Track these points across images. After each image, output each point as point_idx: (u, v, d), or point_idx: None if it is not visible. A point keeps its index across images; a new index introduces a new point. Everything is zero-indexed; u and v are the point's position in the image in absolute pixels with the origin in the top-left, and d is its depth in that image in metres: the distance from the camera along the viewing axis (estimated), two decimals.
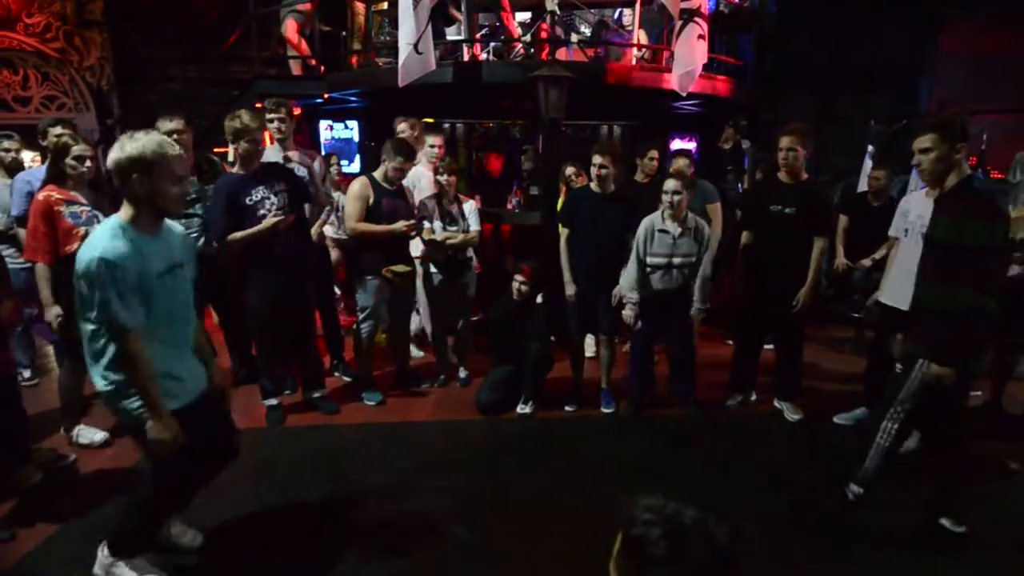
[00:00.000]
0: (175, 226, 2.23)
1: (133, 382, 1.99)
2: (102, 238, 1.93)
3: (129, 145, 1.95)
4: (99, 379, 2.05)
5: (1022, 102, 6.62)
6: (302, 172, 3.88)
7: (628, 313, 3.63)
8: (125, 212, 2.01)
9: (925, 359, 2.40)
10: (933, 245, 2.45)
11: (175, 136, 3.48)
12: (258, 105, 4.53)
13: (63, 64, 7.67)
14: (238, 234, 3.29)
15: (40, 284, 3.07)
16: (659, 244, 3.54)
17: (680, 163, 4.36)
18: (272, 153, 3.84)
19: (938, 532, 2.59)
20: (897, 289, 3.31)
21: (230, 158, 4.95)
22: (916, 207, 3.30)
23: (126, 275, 1.90)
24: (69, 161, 3.09)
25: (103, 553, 2.26)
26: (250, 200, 3.33)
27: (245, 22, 5.66)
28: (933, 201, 2.54)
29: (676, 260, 3.54)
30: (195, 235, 3.61)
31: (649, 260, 3.57)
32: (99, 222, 3.13)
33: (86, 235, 3.08)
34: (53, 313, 3.07)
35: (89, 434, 3.38)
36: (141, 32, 7.28)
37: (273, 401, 3.72)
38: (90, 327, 1.98)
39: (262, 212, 3.33)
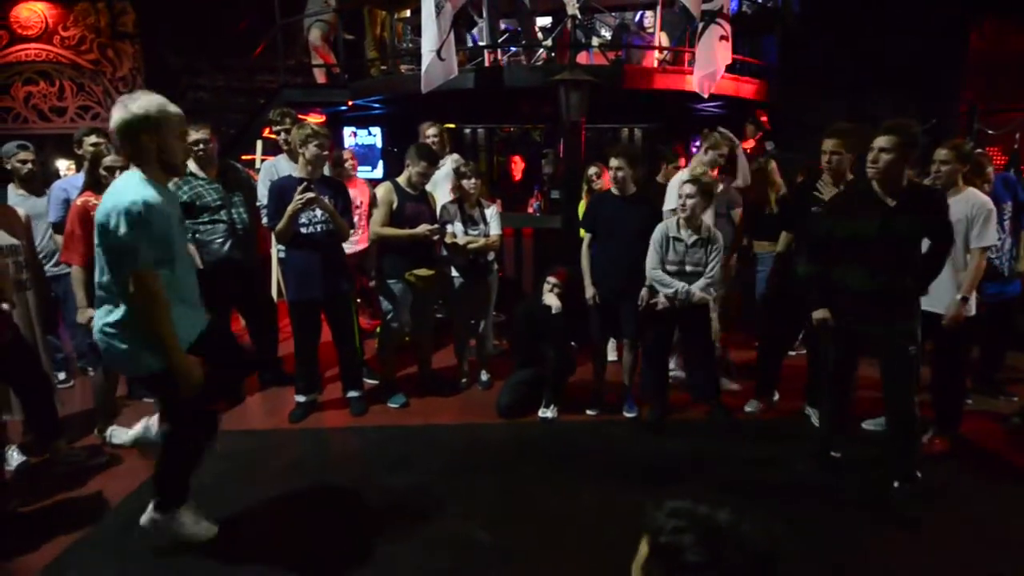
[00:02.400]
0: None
1: (157, 327, 2.08)
2: (134, 186, 2.05)
3: (133, 105, 2.05)
4: (115, 336, 2.13)
5: None
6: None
7: (664, 298, 3.51)
8: (138, 170, 2.11)
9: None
10: (899, 242, 2.73)
11: (201, 144, 3.62)
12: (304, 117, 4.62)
13: (97, 75, 7.92)
14: (281, 222, 3.42)
15: (75, 286, 3.18)
16: (672, 251, 3.50)
17: (699, 169, 4.30)
18: (284, 164, 3.91)
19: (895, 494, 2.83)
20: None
21: (257, 164, 5.08)
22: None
23: (161, 219, 2.03)
24: (102, 171, 3.20)
25: (151, 510, 2.44)
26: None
27: (271, 32, 5.78)
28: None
29: (688, 268, 3.50)
30: (220, 240, 3.70)
31: (667, 268, 3.53)
32: None
33: None
34: (88, 315, 3.16)
35: (122, 435, 3.46)
36: (171, 43, 7.49)
37: (302, 398, 3.79)
38: (117, 275, 2.08)
39: (303, 221, 3.45)
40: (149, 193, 2.03)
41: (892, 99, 6.25)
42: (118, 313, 2.12)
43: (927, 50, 6.34)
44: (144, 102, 2.05)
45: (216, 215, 3.72)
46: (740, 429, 3.67)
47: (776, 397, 3.97)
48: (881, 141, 2.65)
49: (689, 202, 3.37)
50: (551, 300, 3.82)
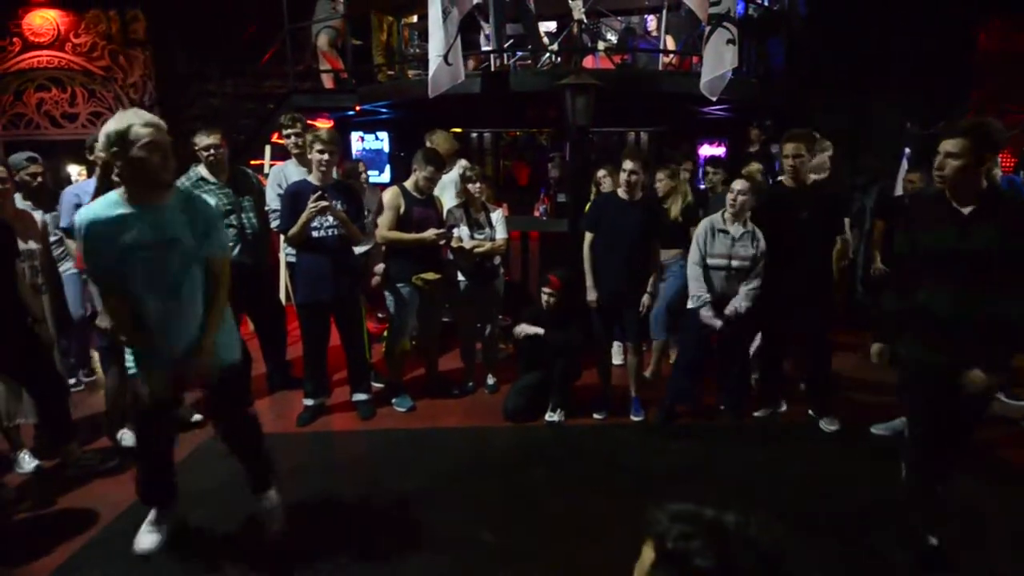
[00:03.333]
0: (201, 203, 2.41)
1: (118, 332, 2.26)
2: (95, 202, 2.22)
3: (103, 129, 2.12)
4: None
5: None
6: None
7: (707, 313, 3.53)
8: (121, 187, 2.19)
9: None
10: (980, 256, 2.26)
11: (212, 150, 3.66)
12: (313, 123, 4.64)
13: (108, 82, 8.01)
14: (293, 228, 3.46)
15: (94, 292, 3.20)
16: (719, 245, 3.53)
17: (753, 167, 4.36)
18: (292, 169, 3.94)
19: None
20: None
21: (266, 170, 5.12)
22: None
23: (96, 238, 2.13)
24: (114, 177, 3.23)
25: None
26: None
27: (280, 38, 5.84)
28: (965, 214, 2.42)
29: (735, 263, 3.51)
30: (230, 245, 3.73)
31: (709, 261, 3.56)
32: None
33: None
34: (108, 320, 3.20)
35: (132, 437, 3.50)
36: (181, 50, 7.57)
37: (310, 402, 3.82)
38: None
39: (315, 225, 3.49)
40: (94, 212, 2.14)
41: (898, 101, 6.23)
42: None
43: (933, 52, 6.31)
44: (111, 123, 2.09)
45: (226, 220, 3.76)
46: (747, 435, 3.67)
47: (783, 407, 3.96)
48: (948, 145, 2.29)
49: (740, 198, 3.47)
50: (552, 304, 3.83)
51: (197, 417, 3.78)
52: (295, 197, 3.49)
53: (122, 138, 2.07)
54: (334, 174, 3.70)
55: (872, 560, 2.51)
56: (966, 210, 2.29)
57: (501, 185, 7.18)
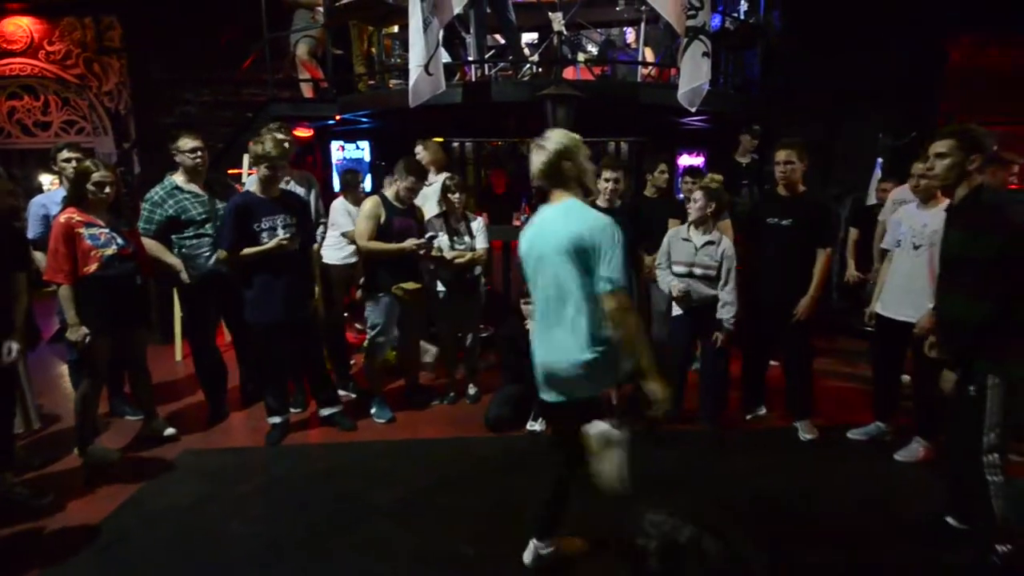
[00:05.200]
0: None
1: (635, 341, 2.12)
2: (590, 210, 2.27)
3: (548, 143, 2.20)
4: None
5: None
6: (299, 190, 4.07)
7: (677, 289, 3.58)
8: (568, 194, 2.25)
9: (992, 372, 2.29)
10: (955, 259, 2.39)
11: (199, 153, 3.68)
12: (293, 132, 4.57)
13: (82, 89, 7.87)
14: (249, 250, 3.37)
15: (64, 305, 3.13)
16: (681, 252, 3.58)
17: (715, 177, 4.40)
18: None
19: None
20: (894, 301, 3.33)
21: (243, 179, 5.06)
22: (908, 219, 3.32)
23: None
24: (90, 187, 3.17)
25: None
26: (259, 227, 3.41)
27: (259, 46, 5.80)
28: (943, 212, 2.55)
29: (697, 271, 3.55)
30: (206, 254, 3.69)
31: (673, 268, 3.61)
32: (117, 244, 3.21)
33: (103, 257, 3.16)
34: (81, 333, 3.12)
35: (103, 453, 3.41)
36: (157, 57, 7.47)
37: (277, 419, 3.72)
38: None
39: (265, 239, 3.41)
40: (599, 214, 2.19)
41: (871, 113, 6.37)
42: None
43: (906, 65, 6.47)
44: (558, 136, 2.21)
45: (201, 229, 3.70)
46: (728, 442, 3.68)
47: (763, 411, 3.99)
48: (938, 146, 2.40)
49: (700, 207, 3.52)
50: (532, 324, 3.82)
51: (170, 431, 3.70)
52: (241, 212, 3.38)
53: (574, 145, 2.22)
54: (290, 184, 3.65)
55: (843, 566, 2.53)
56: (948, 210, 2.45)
57: (484, 194, 7.19)
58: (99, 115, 7.93)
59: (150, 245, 3.62)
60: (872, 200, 5.22)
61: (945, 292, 2.48)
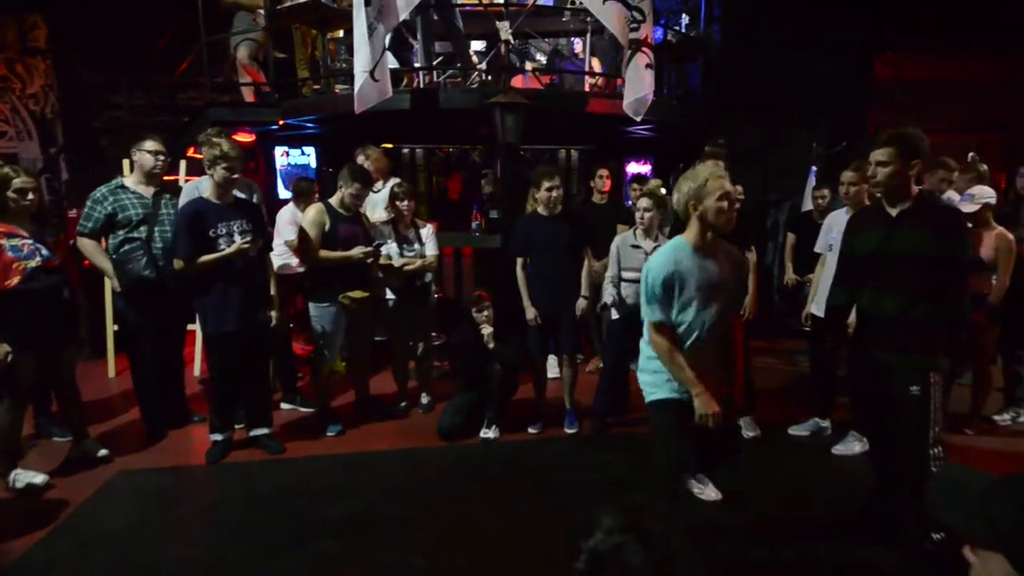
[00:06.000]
0: None
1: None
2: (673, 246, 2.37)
3: (684, 184, 2.30)
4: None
5: (949, 124, 7.07)
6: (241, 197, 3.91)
7: (612, 294, 3.70)
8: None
9: (932, 369, 2.39)
10: (903, 259, 2.44)
11: (160, 157, 3.63)
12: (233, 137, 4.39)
13: (5, 92, 7.39)
14: (207, 257, 3.24)
15: None
16: (632, 259, 3.63)
17: (653, 183, 4.51)
18: (207, 185, 3.75)
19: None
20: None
21: (181, 184, 4.85)
22: (838, 224, 3.48)
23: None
24: (10, 194, 2.98)
25: None
26: (214, 233, 3.28)
27: (196, 49, 5.59)
28: (869, 217, 2.66)
29: None
30: (137, 258, 3.50)
31: (624, 275, 3.66)
32: (41, 256, 3.03)
33: (27, 269, 2.97)
34: (2, 351, 2.92)
35: (27, 477, 3.19)
36: (86, 59, 7.10)
37: (219, 436, 3.55)
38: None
39: (222, 246, 3.28)
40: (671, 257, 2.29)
41: (805, 123, 6.68)
42: None
43: (836, 77, 6.82)
44: (699, 174, 2.26)
45: (134, 232, 3.55)
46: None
47: None
48: (877, 154, 2.46)
49: (647, 215, 3.60)
50: (486, 331, 3.82)
51: (103, 452, 3.50)
52: (195, 218, 3.25)
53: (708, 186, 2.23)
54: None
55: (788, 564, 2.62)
56: (894, 212, 2.48)
57: (436, 201, 7.14)
58: (23, 119, 7.47)
59: (85, 245, 3.48)
60: (808, 206, 5.46)
61: (887, 292, 2.52)
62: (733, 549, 2.64)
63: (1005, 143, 7.63)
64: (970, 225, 3.59)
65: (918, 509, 2.41)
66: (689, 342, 2.32)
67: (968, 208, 3.55)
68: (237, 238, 3.30)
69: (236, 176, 3.34)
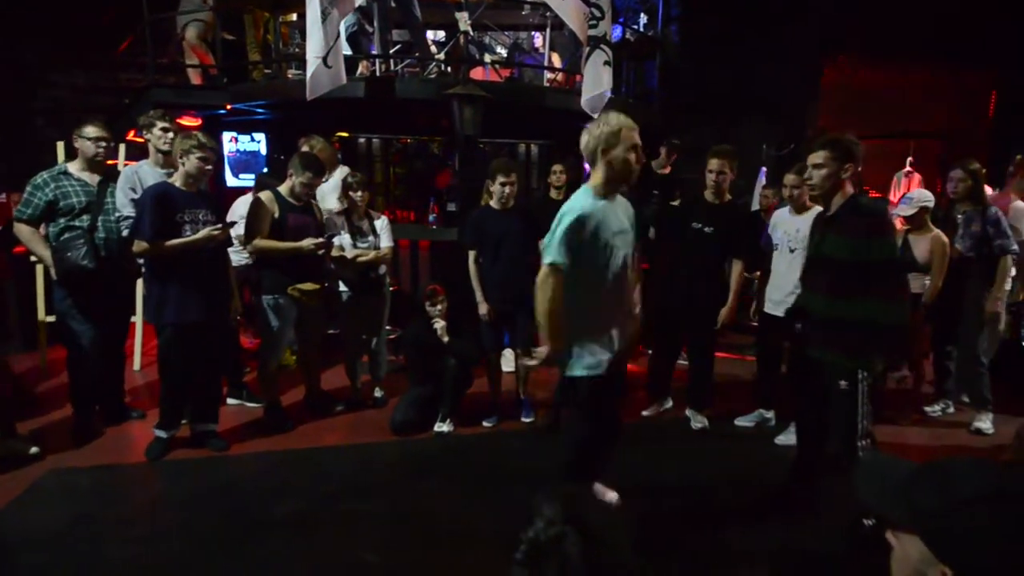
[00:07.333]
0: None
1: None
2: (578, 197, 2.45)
3: (596, 128, 2.39)
4: None
5: (891, 129, 7.39)
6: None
7: None
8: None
9: (863, 368, 2.50)
10: (830, 261, 2.56)
11: (102, 143, 3.46)
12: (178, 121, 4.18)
13: None
14: (175, 241, 3.13)
15: None
16: None
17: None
18: (148, 171, 3.59)
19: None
20: (772, 299, 3.67)
21: (120, 166, 4.62)
22: (782, 224, 3.61)
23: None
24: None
25: None
26: (181, 218, 3.19)
27: (139, 28, 5.32)
28: (817, 219, 2.77)
29: None
30: (77, 246, 3.34)
31: None
32: None
33: None
34: None
35: None
36: (21, 35, 6.68)
37: (164, 434, 3.41)
38: None
39: (187, 232, 3.19)
40: (587, 204, 2.34)
41: (757, 124, 6.87)
42: None
43: (788, 81, 7.03)
44: (612, 120, 2.35)
45: (76, 220, 3.39)
46: (626, 432, 3.81)
47: (670, 404, 4.19)
48: (813, 157, 2.56)
49: None
50: (439, 324, 3.79)
51: (34, 450, 3.32)
52: (161, 201, 3.13)
53: (617, 131, 2.32)
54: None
55: (728, 548, 2.69)
56: (828, 215, 2.62)
57: (395, 193, 7.03)
58: None
59: (23, 232, 3.34)
60: (756, 205, 5.62)
61: (815, 292, 2.68)
62: (677, 534, 2.70)
63: (943, 149, 8.03)
64: (907, 227, 3.79)
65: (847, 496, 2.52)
66: (603, 285, 2.39)
67: (907, 211, 3.72)
68: (201, 226, 3.20)
69: (209, 167, 3.26)
